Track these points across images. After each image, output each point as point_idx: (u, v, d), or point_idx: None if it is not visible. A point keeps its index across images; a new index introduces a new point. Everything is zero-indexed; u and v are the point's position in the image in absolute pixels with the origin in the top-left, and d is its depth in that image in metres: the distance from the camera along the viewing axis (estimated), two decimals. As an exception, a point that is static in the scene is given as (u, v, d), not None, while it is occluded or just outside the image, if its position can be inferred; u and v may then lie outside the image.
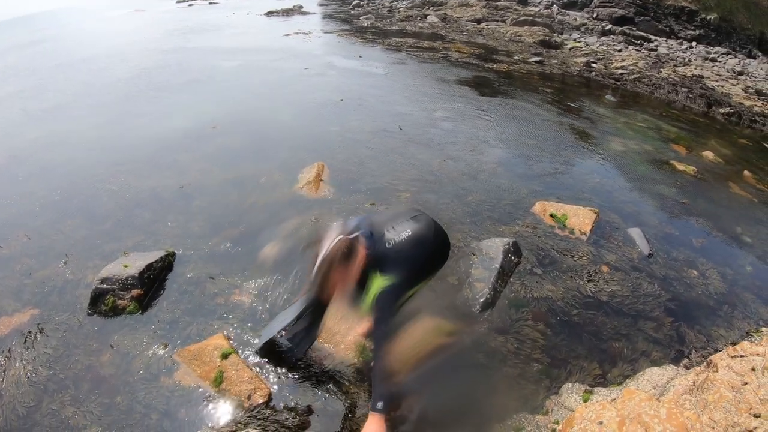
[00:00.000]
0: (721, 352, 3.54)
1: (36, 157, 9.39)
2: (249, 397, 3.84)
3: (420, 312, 4.51)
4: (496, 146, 8.62)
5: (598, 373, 4.08)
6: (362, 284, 3.06)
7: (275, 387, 3.96)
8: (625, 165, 8.12)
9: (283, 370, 4.10)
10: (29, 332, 4.79)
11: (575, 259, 5.39)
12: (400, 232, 3.20)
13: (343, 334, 4.36)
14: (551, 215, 6.12)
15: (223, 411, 3.82)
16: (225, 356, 4.16)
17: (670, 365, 4.06)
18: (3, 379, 4.32)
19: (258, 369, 4.11)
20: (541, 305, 4.72)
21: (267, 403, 3.84)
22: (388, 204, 6.50)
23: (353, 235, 3.02)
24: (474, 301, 4.72)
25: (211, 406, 3.86)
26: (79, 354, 4.48)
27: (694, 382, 3.35)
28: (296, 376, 4.04)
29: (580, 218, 6.05)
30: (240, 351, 4.29)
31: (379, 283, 2.94)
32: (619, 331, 4.47)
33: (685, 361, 4.23)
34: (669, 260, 5.57)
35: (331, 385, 3.96)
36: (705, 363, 3.55)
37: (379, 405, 2.78)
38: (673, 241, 6.00)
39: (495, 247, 5.24)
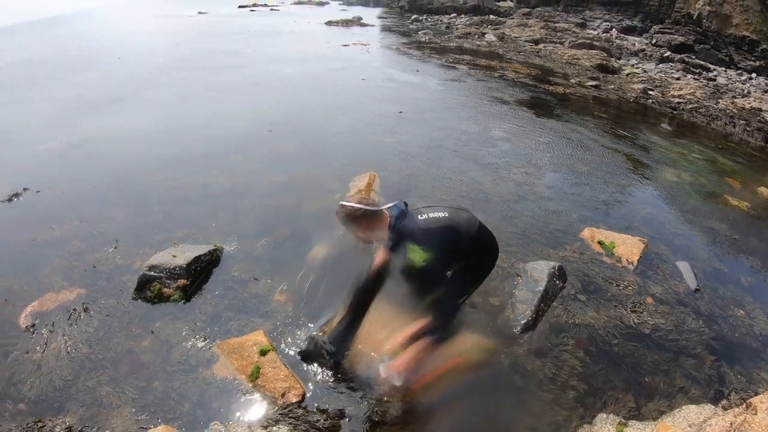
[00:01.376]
0: (761, 395, 3.42)
1: (93, 147, 9.69)
2: (283, 395, 3.85)
3: (462, 327, 4.50)
4: (548, 169, 8.52)
5: (633, 405, 3.96)
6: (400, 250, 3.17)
7: (310, 388, 3.97)
8: (678, 196, 7.91)
9: (319, 373, 4.10)
10: (74, 310, 4.90)
11: (620, 288, 5.27)
12: (435, 212, 3.37)
13: (382, 341, 4.30)
14: (599, 242, 6.01)
15: (256, 406, 3.84)
16: (263, 353, 4.19)
17: (708, 404, 3.91)
18: (44, 351, 4.43)
19: (294, 369, 4.12)
20: (582, 332, 4.63)
21: (300, 403, 3.84)
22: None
23: (386, 206, 3.28)
24: (515, 322, 4.66)
25: (244, 399, 3.89)
26: (120, 336, 4.57)
27: (731, 424, 3.24)
28: (331, 380, 4.05)
29: (629, 247, 5.92)
30: (278, 349, 4.31)
31: (418, 254, 3.02)
32: (658, 366, 4.34)
33: (724, 401, 4.07)
34: (715, 297, 5.40)
35: (364, 392, 3.95)
36: (744, 405, 3.43)
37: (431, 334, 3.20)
38: (722, 278, 5.81)
39: (540, 269, 5.17)
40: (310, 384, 4.00)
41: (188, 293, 5.07)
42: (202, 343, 4.42)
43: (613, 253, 5.83)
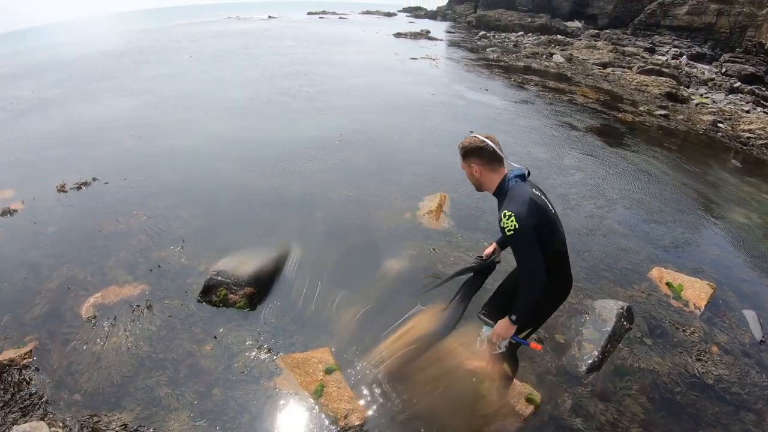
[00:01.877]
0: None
1: (163, 144, 10.05)
2: (345, 417, 3.86)
3: (530, 363, 4.53)
4: (617, 201, 8.45)
5: (692, 457, 3.95)
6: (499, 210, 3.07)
7: (372, 413, 3.98)
8: (747, 239, 7.73)
9: (384, 399, 4.11)
10: (137, 306, 5.05)
11: (687, 334, 5.21)
12: (548, 203, 3.21)
13: (455, 364, 4.30)
14: (667, 283, 5.94)
15: (317, 424, 3.86)
16: (329, 371, 4.21)
17: (766, 462, 3.90)
18: (104, 345, 4.56)
19: (359, 391, 4.15)
20: (646, 377, 4.60)
21: (361, 427, 3.84)
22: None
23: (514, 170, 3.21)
24: (581, 361, 4.66)
25: (306, 416, 3.92)
26: (183, 338, 4.67)
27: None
28: (396, 407, 4.04)
29: (696, 291, 5.84)
30: (344, 369, 4.33)
31: (510, 221, 2.91)
32: (719, 419, 4.27)
33: (781, 460, 4.05)
34: (781, 349, 5.30)
35: (424, 424, 3.94)
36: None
37: (514, 317, 3.12)
38: (789, 329, 5.70)
39: (609, 309, 5.17)
40: (372, 409, 4.02)
41: (254, 301, 5.14)
42: (266, 355, 4.49)
43: (681, 297, 5.77)
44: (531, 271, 2.98)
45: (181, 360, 4.45)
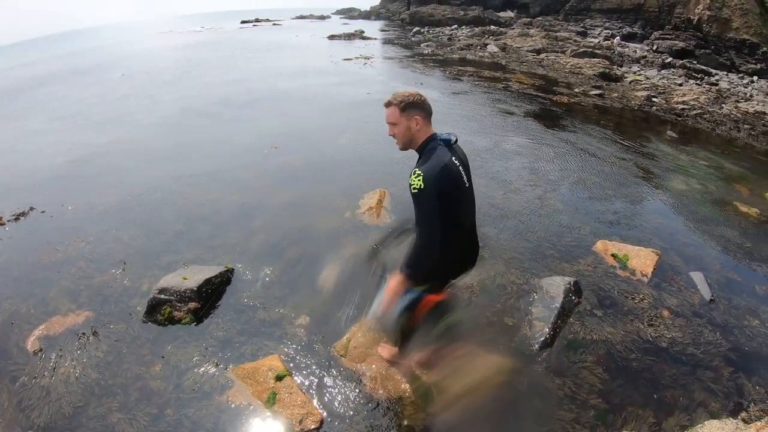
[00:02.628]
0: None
1: (98, 163, 9.91)
2: (300, 422, 3.81)
3: (480, 348, 4.48)
4: (558, 181, 8.52)
5: (653, 421, 3.92)
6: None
7: (327, 414, 3.94)
8: (687, 205, 7.88)
9: (338, 398, 4.08)
10: (83, 333, 4.91)
11: (636, 301, 5.23)
12: (465, 174, 3.27)
13: (403, 364, 4.30)
14: (613, 255, 5.98)
15: None
16: (279, 378, 4.16)
17: (729, 418, 3.87)
18: (53, 377, 4.42)
19: (311, 394, 4.10)
20: (599, 348, 4.59)
21: (318, 429, 3.81)
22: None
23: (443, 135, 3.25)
24: (533, 340, 4.63)
25: (261, 426, 3.85)
26: (131, 361, 4.55)
27: (754, 437, 3.23)
28: (350, 405, 4.02)
29: (642, 259, 5.88)
30: (294, 374, 4.28)
31: (417, 180, 2.97)
32: (677, 380, 4.29)
33: (744, 414, 4.02)
34: (730, 307, 5.33)
35: (384, 419, 3.92)
36: (766, 418, 3.41)
37: (405, 269, 3.11)
38: (735, 287, 5.75)
39: (556, 285, 5.15)
40: (327, 410, 3.97)
41: (199, 316, 5.05)
42: (215, 369, 4.40)
43: (627, 266, 5.81)
44: (427, 233, 3.03)
45: (130, 384, 4.33)
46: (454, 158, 3.17)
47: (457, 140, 3.27)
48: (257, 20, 78.52)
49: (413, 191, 2.98)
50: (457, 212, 3.20)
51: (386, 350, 4.43)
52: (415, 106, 3.20)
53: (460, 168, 3.22)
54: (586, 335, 4.74)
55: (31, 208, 7.79)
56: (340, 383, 4.22)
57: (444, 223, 3.02)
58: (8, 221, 7.44)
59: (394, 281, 3.18)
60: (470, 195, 3.37)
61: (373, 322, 3.69)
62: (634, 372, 4.36)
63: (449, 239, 3.14)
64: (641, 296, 5.32)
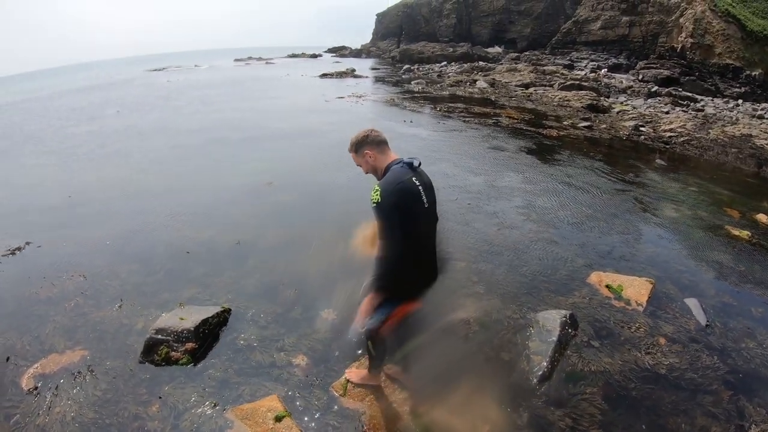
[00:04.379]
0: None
1: (92, 201, 9.93)
2: None
3: (479, 384, 4.50)
4: (551, 214, 8.62)
5: (657, 449, 3.96)
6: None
7: None
8: (680, 232, 7.99)
9: None
10: (78, 372, 4.85)
11: (632, 330, 5.29)
12: (425, 194, 3.44)
13: (396, 399, 4.32)
14: (607, 286, 6.05)
15: None
16: (278, 419, 4.12)
17: (732, 441, 3.94)
18: (48, 416, 4.35)
19: None
20: (598, 379, 4.62)
21: None
22: (443, 272, 6.53)
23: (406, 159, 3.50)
24: (531, 374, 4.65)
25: None
26: (128, 401, 4.49)
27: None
28: None
29: (636, 289, 5.96)
30: (294, 415, 4.25)
31: (375, 194, 3.22)
32: (677, 406, 4.32)
33: (746, 436, 4.09)
34: (727, 331, 5.40)
35: None
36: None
37: (373, 284, 3.32)
38: (731, 311, 5.82)
39: (552, 319, 5.20)
40: None
41: (197, 357, 5.02)
42: (213, 410, 4.36)
43: (622, 296, 5.87)
44: (387, 245, 3.23)
45: (127, 424, 4.27)
46: (414, 178, 3.38)
47: (420, 164, 3.50)
48: (250, 58, 79.46)
49: (372, 206, 3.22)
50: (414, 228, 3.37)
51: (354, 374, 4.58)
52: (362, 144, 3.59)
53: (420, 188, 3.40)
54: (584, 366, 4.77)
55: (27, 243, 7.82)
56: (340, 423, 4.20)
57: (402, 234, 3.23)
58: (2, 256, 7.46)
59: (366, 301, 3.37)
60: (430, 215, 3.57)
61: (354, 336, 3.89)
62: (634, 401, 4.38)
63: (406, 253, 3.34)
64: (637, 325, 5.37)
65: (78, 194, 10.35)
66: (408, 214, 3.30)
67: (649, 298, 5.85)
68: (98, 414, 4.38)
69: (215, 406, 4.39)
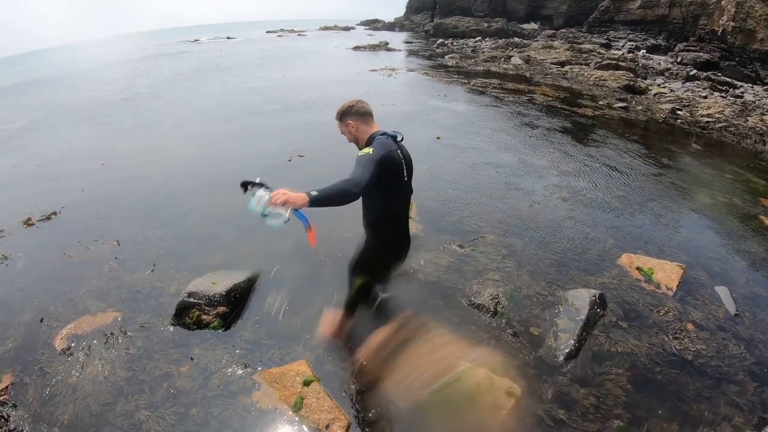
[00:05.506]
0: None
1: (127, 168, 10.11)
2: (327, 427, 3.82)
3: (497, 366, 4.50)
4: (584, 194, 8.53)
5: (678, 434, 3.94)
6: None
7: (355, 419, 3.96)
8: (713, 219, 7.84)
9: (365, 405, 4.10)
10: (111, 333, 4.97)
11: (661, 314, 5.24)
12: (406, 168, 3.75)
13: (425, 368, 4.36)
14: (638, 268, 5.99)
15: None
16: (307, 383, 4.18)
17: (752, 432, 3.90)
18: (80, 375, 4.47)
19: (339, 400, 4.12)
20: (624, 360, 4.60)
21: None
22: (474, 246, 6.52)
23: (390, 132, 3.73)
24: (558, 351, 4.65)
25: (287, 429, 3.86)
26: (159, 361, 4.60)
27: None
28: (377, 411, 4.04)
29: (667, 273, 5.89)
30: (322, 379, 4.30)
31: (366, 149, 3.49)
32: (701, 393, 4.28)
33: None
34: (755, 321, 5.30)
35: (411, 427, 3.95)
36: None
37: (314, 193, 3.14)
38: (760, 302, 5.70)
39: (581, 298, 5.18)
40: (355, 416, 4.00)
41: (227, 320, 5.10)
42: (243, 371, 4.44)
43: (652, 279, 5.81)
44: (356, 178, 3.28)
45: (159, 383, 4.37)
46: (398, 150, 3.64)
47: (402, 138, 3.76)
48: (282, 30, 79.20)
49: (361, 155, 3.40)
50: (393, 196, 3.76)
51: (328, 321, 4.81)
52: (346, 114, 3.78)
53: (402, 161, 3.67)
54: (611, 347, 4.75)
55: (63, 208, 8.00)
56: (367, 390, 4.25)
57: (378, 193, 3.60)
58: (38, 221, 7.63)
59: (297, 195, 3.16)
60: (407, 188, 3.86)
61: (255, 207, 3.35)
62: (658, 384, 4.36)
63: (388, 223, 3.87)
64: (666, 309, 5.32)
65: (110, 161, 10.50)
66: (390, 182, 3.58)
67: (679, 282, 5.77)
68: (130, 373, 4.49)
69: (246, 367, 4.48)
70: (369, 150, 3.42)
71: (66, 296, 5.67)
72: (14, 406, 4.23)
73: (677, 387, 4.35)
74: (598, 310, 5.13)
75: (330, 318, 4.77)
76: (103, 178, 9.63)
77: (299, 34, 69.07)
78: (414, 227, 7.01)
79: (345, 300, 4.58)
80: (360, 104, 3.76)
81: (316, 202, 3.13)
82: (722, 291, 5.73)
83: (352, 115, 3.76)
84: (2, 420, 4.09)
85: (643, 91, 20.29)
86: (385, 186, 3.55)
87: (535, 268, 6.02)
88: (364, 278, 4.27)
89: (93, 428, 3.97)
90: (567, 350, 4.64)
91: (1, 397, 4.30)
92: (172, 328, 5.05)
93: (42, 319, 5.28)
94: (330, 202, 3.21)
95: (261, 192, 3.31)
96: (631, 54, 33.59)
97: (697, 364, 4.61)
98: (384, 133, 3.67)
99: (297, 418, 3.93)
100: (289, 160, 10.07)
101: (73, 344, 4.87)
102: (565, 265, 6.16)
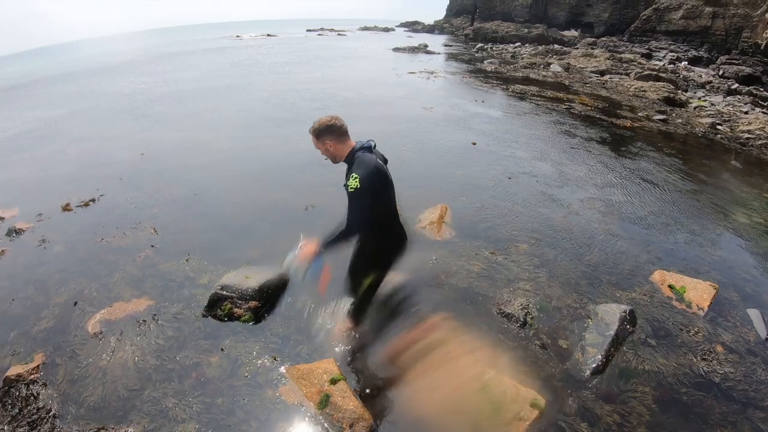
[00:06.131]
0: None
1: (166, 159, 10.35)
2: (351, 426, 3.86)
3: (523, 377, 4.49)
4: (618, 207, 8.45)
5: (702, 457, 3.90)
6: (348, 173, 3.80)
7: (379, 421, 3.99)
8: (749, 239, 7.69)
9: (389, 407, 4.15)
10: (143, 321, 5.10)
11: (690, 334, 5.18)
12: (387, 170, 3.99)
13: (452, 374, 4.39)
14: (670, 286, 5.93)
15: None
16: (334, 381, 4.21)
17: (777, 460, 3.86)
18: (110, 360, 4.59)
19: (365, 400, 4.15)
20: (651, 379, 4.57)
21: None
22: (507, 254, 6.53)
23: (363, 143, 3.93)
24: (585, 366, 4.64)
25: (311, 426, 3.91)
26: (189, 350, 4.71)
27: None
28: (401, 414, 4.08)
29: (699, 292, 5.81)
30: (349, 379, 4.33)
31: (354, 181, 3.56)
32: (727, 417, 4.22)
33: (793, 457, 4.00)
34: (787, 347, 5.25)
35: (433, 429, 3.97)
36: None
37: (323, 243, 3.80)
38: (794, 328, 5.65)
39: (612, 313, 5.16)
40: (378, 417, 4.03)
41: (259, 315, 5.18)
42: (271, 365, 4.52)
43: (684, 298, 5.74)
44: (353, 223, 3.72)
45: (187, 372, 4.48)
46: (378, 160, 3.85)
47: (375, 145, 4.00)
48: (322, 29, 79.60)
49: (350, 191, 3.58)
50: (387, 201, 3.96)
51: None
52: (324, 133, 3.87)
53: (385, 167, 3.95)
54: (639, 365, 4.72)
55: (102, 195, 8.21)
56: (393, 391, 4.30)
57: (375, 213, 3.76)
58: (77, 207, 7.84)
59: (310, 246, 3.78)
60: (393, 185, 4.05)
61: (284, 268, 4.20)
62: (684, 406, 4.32)
63: (384, 222, 4.02)
64: (696, 329, 5.26)
65: (149, 151, 10.68)
66: (383, 193, 3.84)
67: (710, 303, 5.69)
68: (159, 361, 4.61)
69: (275, 359, 4.57)
70: (356, 182, 3.55)
71: (101, 281, 5.84)
72: (44, 384, 4.38)
73: (703, 409, 4.30)
74: (628, 326, 5.10)
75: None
76: (141, 167, 9.85)
77: (339, 34, 69.33)
78: (447, 232, 7.05)
79: (357, 302, 4.66)
80: (338, 123, 3.85)
81: (325, 247, 3.83)
82: (754, 314, 5.64)
83: (330, 134, 3.86)
84: (32, 398, 4.23)
85: (683, 104, 19.95)
86: (379, 196, 3.81)
87: (567, 280, 6.00)
88: (372, 276, 4.38)
89: (120, 411, 4.08)
90: (594, 365, 4.63)
91: (32, 376, 4.45)
92: (203, 319, 5.16)
93: (76, 303, 5.45)
94: (340, 246, 3.86)
95: (288, 258, 4.02)
96: (672, 65, 33.05)
97: (724, 387, 4.55)
98: (361, 148, 3.86)
99: (321, 416, 3.99)
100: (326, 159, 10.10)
101: (105, 329, 5.02)
102: (596, 278, 6.13)
